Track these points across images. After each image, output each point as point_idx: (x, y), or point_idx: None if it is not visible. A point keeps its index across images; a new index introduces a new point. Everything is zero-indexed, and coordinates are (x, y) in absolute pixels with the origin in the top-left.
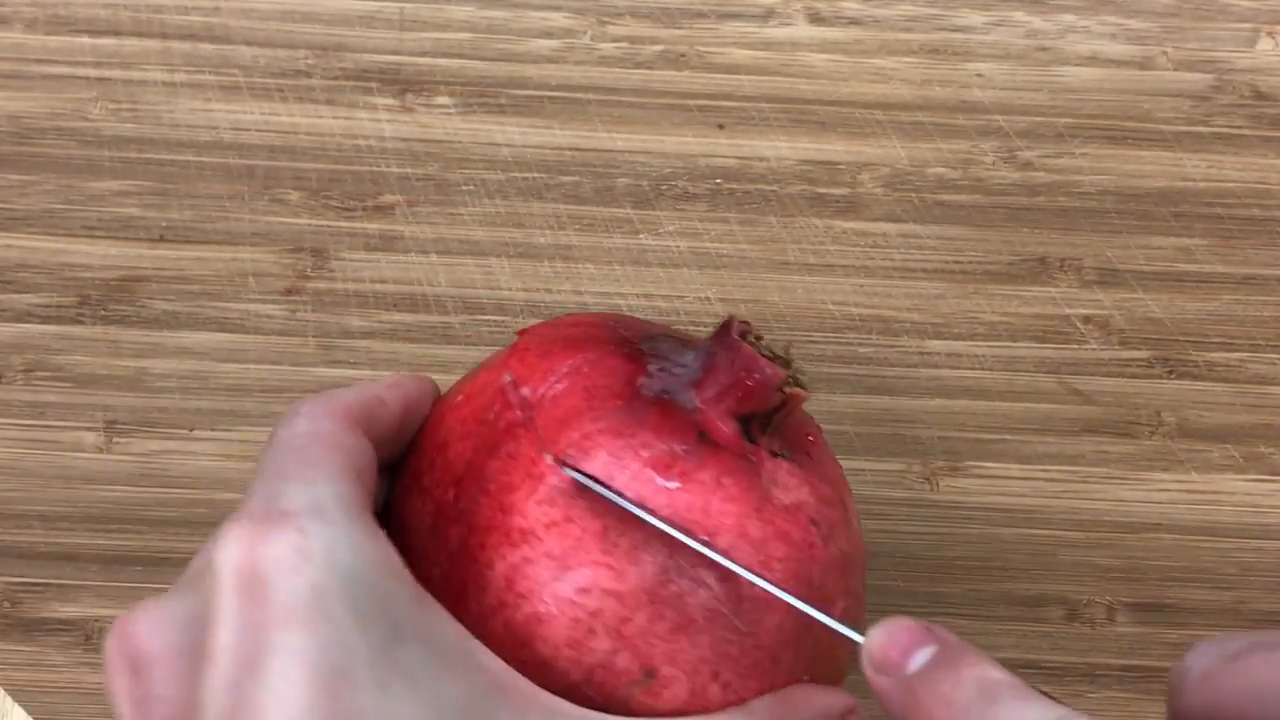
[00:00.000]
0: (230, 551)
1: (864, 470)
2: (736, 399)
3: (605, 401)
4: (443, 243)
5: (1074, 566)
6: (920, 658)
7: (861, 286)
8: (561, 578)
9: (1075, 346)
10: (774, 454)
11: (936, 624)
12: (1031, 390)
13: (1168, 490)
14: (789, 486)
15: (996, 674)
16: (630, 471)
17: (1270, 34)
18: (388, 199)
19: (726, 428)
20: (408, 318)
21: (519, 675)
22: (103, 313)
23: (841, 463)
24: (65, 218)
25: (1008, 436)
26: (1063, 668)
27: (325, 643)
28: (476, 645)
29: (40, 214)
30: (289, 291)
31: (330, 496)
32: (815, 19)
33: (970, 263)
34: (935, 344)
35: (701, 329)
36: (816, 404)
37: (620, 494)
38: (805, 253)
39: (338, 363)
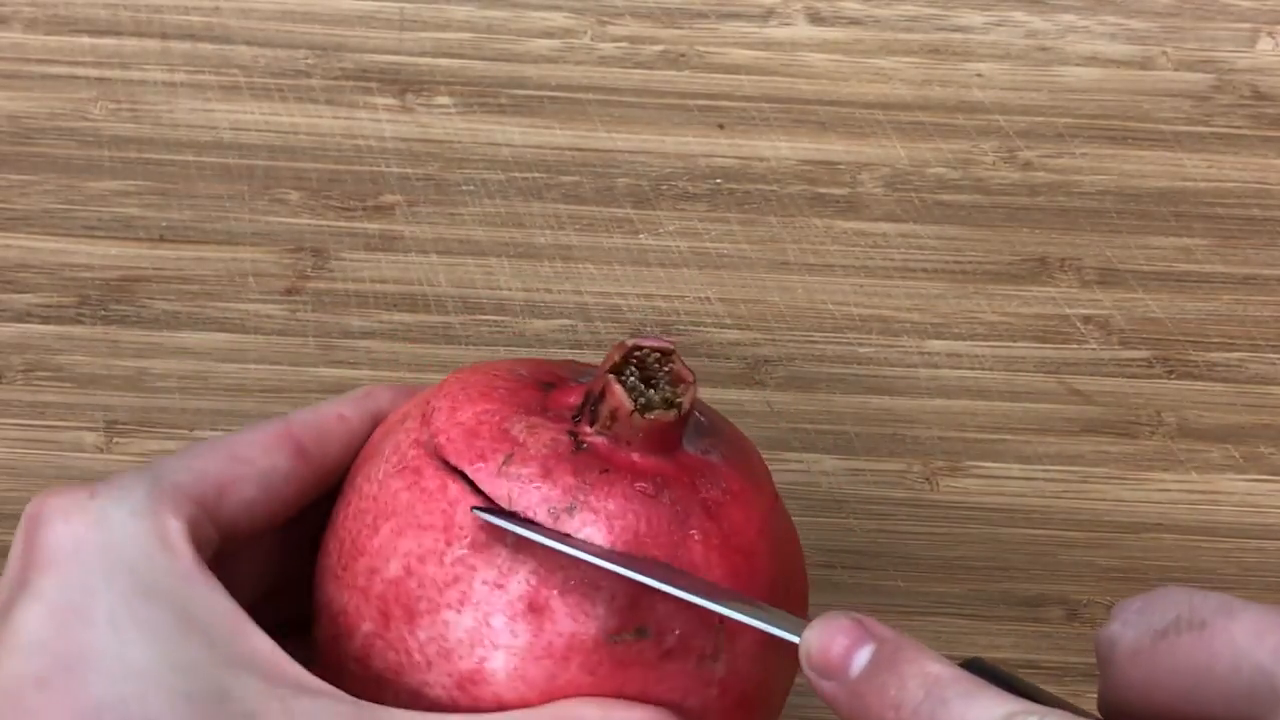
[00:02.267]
0: (33, 501)
1: (864, 470)
2: (614, 429)
3: (498, 443)
4: (443, 243)
5: (1074, 566)
6: (860, 658)
7: (861, 286)
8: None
9: (1075, 346)
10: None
11: (868, 615)
12: (1031, 390)
13: (1168, 490)
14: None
15: (937, 668)
16: (531, 506)
17: (1270, 34)
18: (388, 199)
19: (623, 454)
20: (408, 318)
21: (289, 660)
22: (103, 313)
23: (842, 462)
24: (65, 218)
25: (1008, 436)
26: (1063, 668)
27: (68, 585)
28: (250, 627)
29: (40, 214)
30: (289, 291)
31: (147, 477)
32: (815, 19)
33: (970, 263)
34: (935, 344)
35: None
36: (817, 404)
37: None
38: (805, 253)
39: (338, 363)
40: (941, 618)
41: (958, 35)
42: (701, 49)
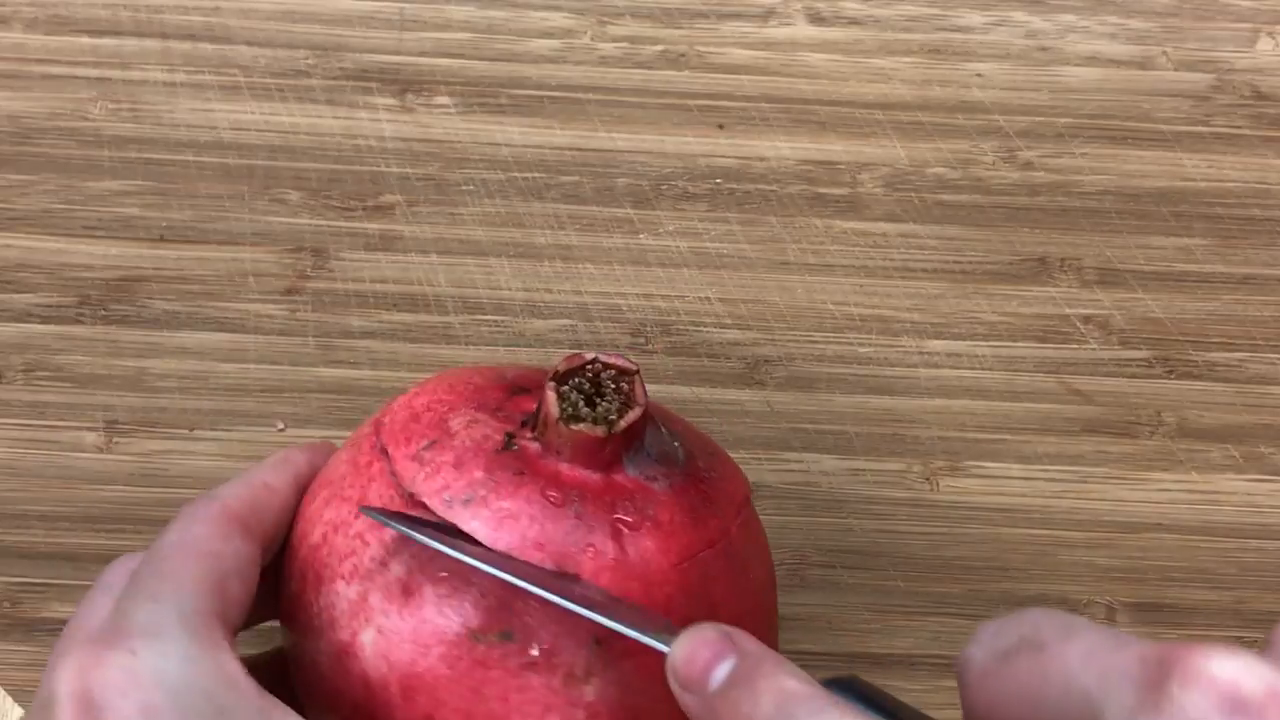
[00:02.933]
0: (66, 676)
1: (864, 470)
2: (558, 446)
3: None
4: (443, 243)
5: (1074, 566)
6: (720, 672)
7: (861, 286)
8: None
9: (1075, 346)
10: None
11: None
12: (1031, 390)
13: (1168, 490)
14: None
15: (793, 684)
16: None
17: (1270, 34)
18: (388, 199)
19: (550, 462)
20: (408, 318)
21: None
22: (103, 313)
23: (841, 462)
24: (65, 218)
25: (1008, 436)
26: None
27: None
28: None
29: (40, 214)
30: (289, 291)
31: (171, 612)
32: (815, 19)
33: (970, 263)
34: (935, 344)
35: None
36: (817, 404)
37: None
38: (805, 253)
39: (338, 363)
40: (941, 618)
41: (958, 35)
42: (701, 49)
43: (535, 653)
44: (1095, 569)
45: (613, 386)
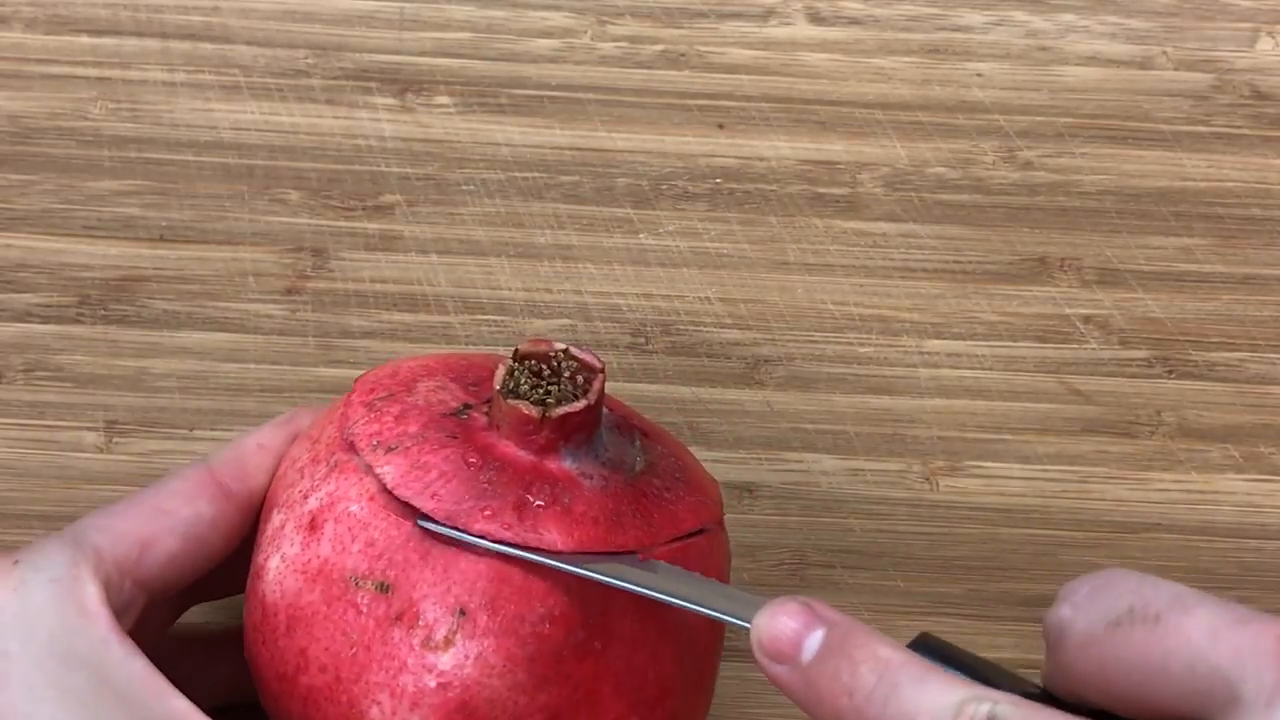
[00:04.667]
0: None
1: (864, 470)
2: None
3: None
4: (443, 243)
5: (1074, 566)
6: (812, 643)
7: (861, 286)
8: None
9: (1075, 346)
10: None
11: (816, 600)
12: (1031, 390)
13: (1168, 490)
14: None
15: (888, 652)
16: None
17: (1270, 34)
18: (388, 199)
19: (488, 436)
20: (408, 318)
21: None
22: (103, 313)
23: (841, 462)
24: (65, 218)
25: (1008, 436)
26: None
27: None
28: (166, 689)
29: (40, 214)
30: (289, 291)
31: (71, 545)
32: (815, 19)
33: (970, 263)
34: (935, 344)
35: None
36: (817, 404)
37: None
38: (805, 253)
39: (338, 363)
40: (941, 618)
41: (958, 35)
42: (701, 49)
43: (402, 608)
44: (1095, 569)
45: (568, 377)
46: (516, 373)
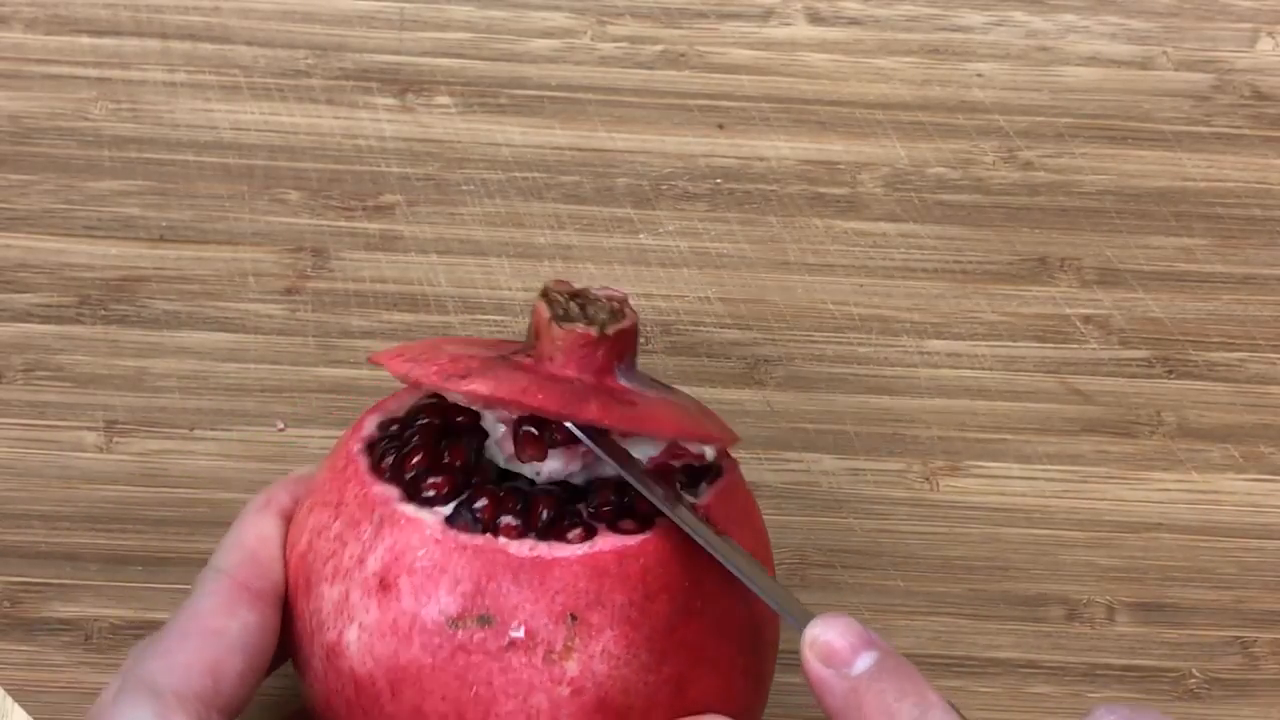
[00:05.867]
0: None
1: (864, 470)
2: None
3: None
4: (443, 243)
5: (1074, 566)
6: (865, 660)
7: (861, 286)
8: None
9: (1075, 346)
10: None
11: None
12: (1031, 390)
13: (1168, 490)
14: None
15: (935, 697)
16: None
17: (1270, 34)
18: (388, 199)
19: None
20: (408, 318)
21: None
22: (103, 313)
23: (841, 462)
24: (65, 218)
25: (1008, 436)
26: (1063, 668)
27: None
28: None
29: (40, 214)
30: (289, 291)
31: (150, 697)
32: (815, 19)
33: (970, 263)
34: (935, 344)
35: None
36: (817, 404)
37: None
38: (805, 253)
39: (338, 363)
40: (941, 618)
41: (958, 35)
42: (701, 49)
43: (514, 634)
44: (1095, 569)
45: (602, 302)
46: (559, 300)
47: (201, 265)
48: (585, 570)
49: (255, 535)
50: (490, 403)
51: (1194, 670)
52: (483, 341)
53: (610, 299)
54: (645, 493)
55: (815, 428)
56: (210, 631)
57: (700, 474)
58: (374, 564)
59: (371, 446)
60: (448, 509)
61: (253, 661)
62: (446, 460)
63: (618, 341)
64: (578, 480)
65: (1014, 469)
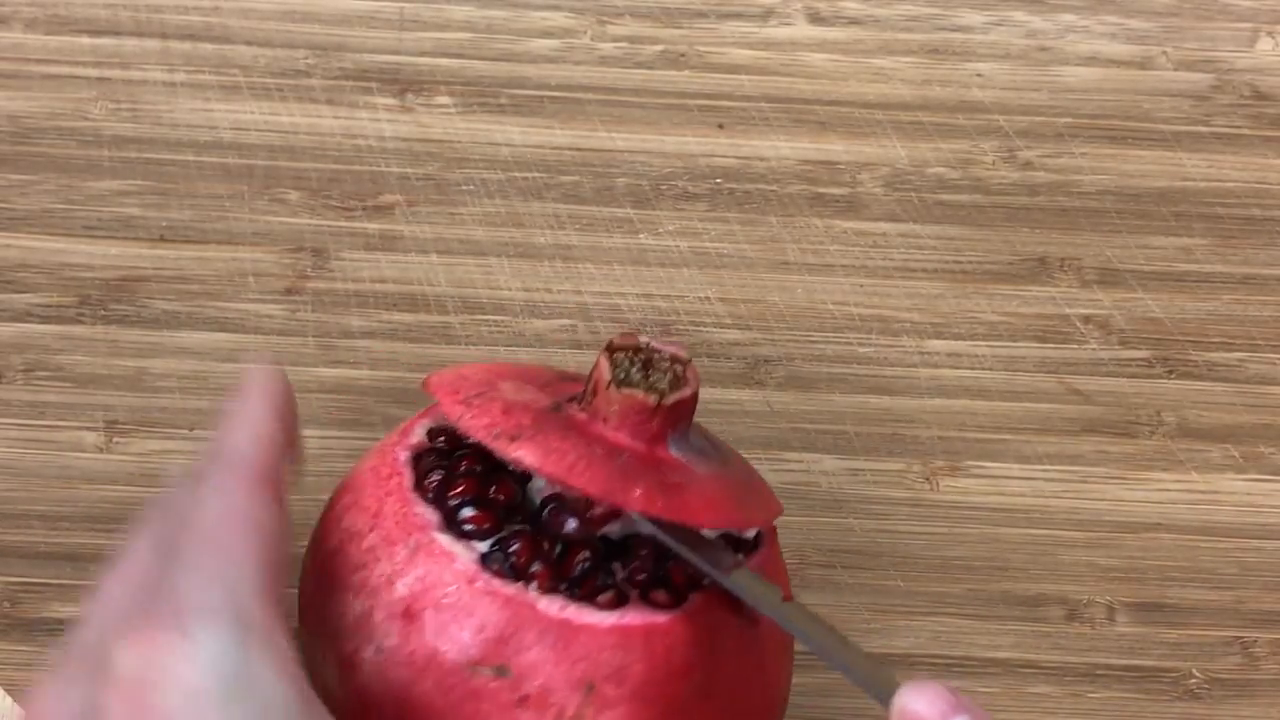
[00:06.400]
0: (121, 653)
1: (864, 470)
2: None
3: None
4: (443, 243)
5: (1074, 566)
6: None
7: (861, 286)
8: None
9: (1075, 346)
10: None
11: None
12: (1031, 390)
13: (1168, 490)
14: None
15: None
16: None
17: (1270, 34)
18: (388, 199)
19: (596, 427)
20: (408, 318)
21: None
22: (103, 313)
23: (841, 462)
24: (65, 218)
25: (1008, 436)
26: (1063, 668)
27: None
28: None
29: (40, 214)
30: (289, 291)
31: (224, 593)
32: (815, 19)
33: (970, 263)
34: (935, 344)
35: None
36: (817, 404)
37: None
38: (805, 253)
39: (338, 363)
40: (941, 618)
41: (958, 35)
42: (701, 49)
43: (528, 690)
44: (1095, 569)
45: (666, 365)
46: (626, 363)
47: (201, 265)
48: (611, 641)
49: (268, 436)
50: (538, 474)
51: (1194, 670)
52: (540, 375)
53: (675, 361)
54: (702, 565)
55: (815, 428)
56: (256, 524)
57: (739, 544)
58: (403, 589)
59: (418, 458)
60: (484, 545)
61: (285, 555)
62: (492, 495)
63: (674, 411)
64: (614, 534)
65: (1014, 469)
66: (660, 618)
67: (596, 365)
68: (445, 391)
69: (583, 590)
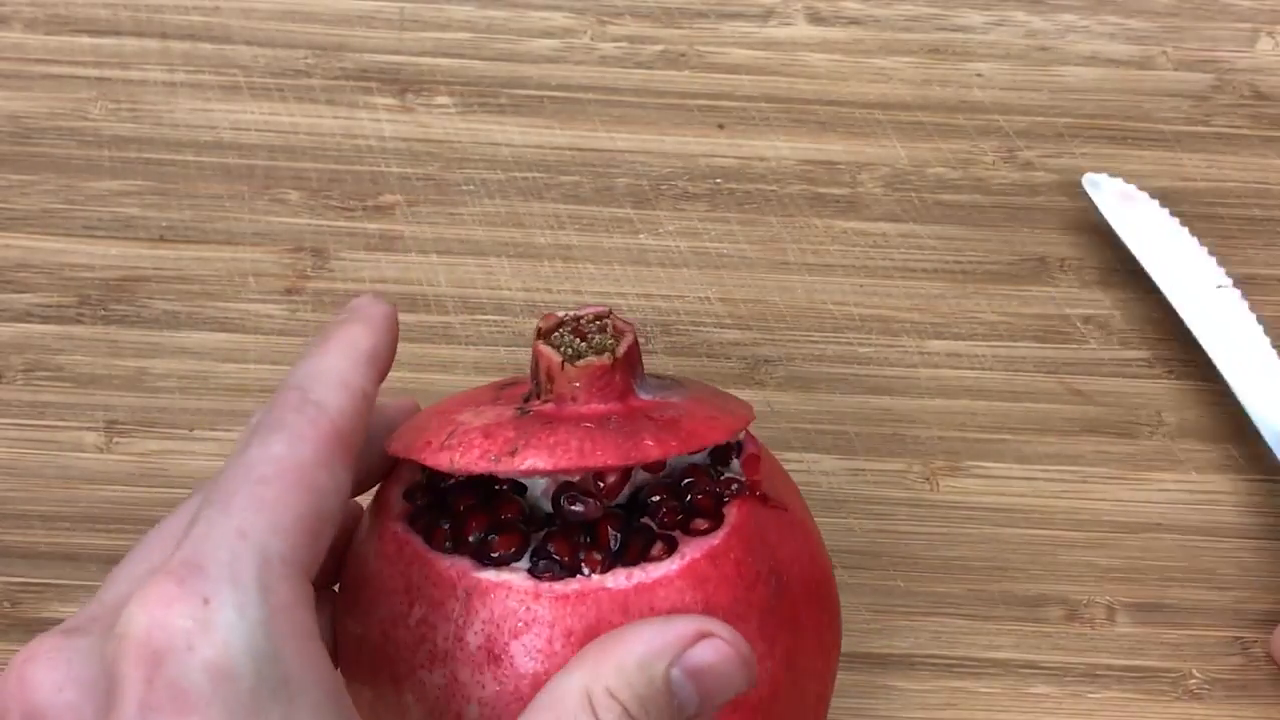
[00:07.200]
0: (138, 618)
1: (864, 470)
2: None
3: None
4: (443, 243)
5: (1074, 566)
6: None
7: (861, 286)
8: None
9: (1075, 346)
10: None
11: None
12: (1031, 390)
13: (1168, 490)
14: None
15: None
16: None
17: (1270, 34)
18: (388, 199)
19: (568, 410)
20: (408, 318)
21: None
22: (103, 313)
23: (841, 462)
24: (65, 218)
25: (1008, 436)
26: (1063, 668)
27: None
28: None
29: (40, 214)
30: (289, 291)
31: (256, 559)
32: (815, 19)
33: (970, 263)
34: (935, 344)
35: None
36: (817, 404)
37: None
38: (805, 253)
39: None
40: (941, 618)
41: (958, 35)
42: (701, 49)
43: None
44: (1095, 569)
45: (595, 327)
46: (563, 341)
47: (201, 265)
48: (687, 583)
49: (361, 389)
50: (553, 475)
51: (1194, 670)
52: (484, 394)
53: (599, 318)
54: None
55: (815, 428)
56: (315, 489)
57: (725, 451)
58: (475, 639)
59: (413, 521)
60: (524, 562)
61: (333, 534)
62: (504, 518)
63: (627, 360)
64: (623, 499)
65: (1014, 469)
66: (714, 540)
67: (537, 356)
68: (417, 449)
69: (630, 555)
